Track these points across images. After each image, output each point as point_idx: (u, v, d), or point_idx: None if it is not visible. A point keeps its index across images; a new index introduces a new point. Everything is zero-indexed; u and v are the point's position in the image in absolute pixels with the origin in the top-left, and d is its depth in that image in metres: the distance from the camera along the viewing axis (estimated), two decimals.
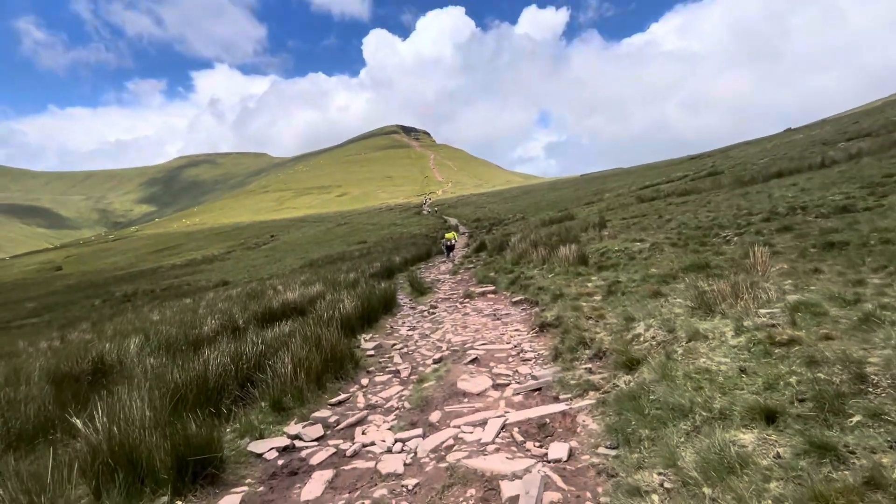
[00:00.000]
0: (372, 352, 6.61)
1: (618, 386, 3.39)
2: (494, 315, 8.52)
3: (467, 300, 10.67)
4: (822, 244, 5.95)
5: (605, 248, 11.18)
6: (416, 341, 7.28)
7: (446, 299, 11.27)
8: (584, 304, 6.58)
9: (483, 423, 3.50)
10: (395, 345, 6.98)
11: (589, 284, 7.89)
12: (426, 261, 23.88)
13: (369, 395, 4.81)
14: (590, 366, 4.31)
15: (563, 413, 3.33)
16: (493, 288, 11.30)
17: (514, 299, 9.47)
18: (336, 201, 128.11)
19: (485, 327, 7.58)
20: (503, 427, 3.36)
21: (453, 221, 53.19)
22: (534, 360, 5.22)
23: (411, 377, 5.40)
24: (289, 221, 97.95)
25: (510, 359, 5.39)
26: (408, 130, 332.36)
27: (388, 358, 6.29)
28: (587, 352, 4.61)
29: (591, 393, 3.48)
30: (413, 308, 10.66)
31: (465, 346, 6.38)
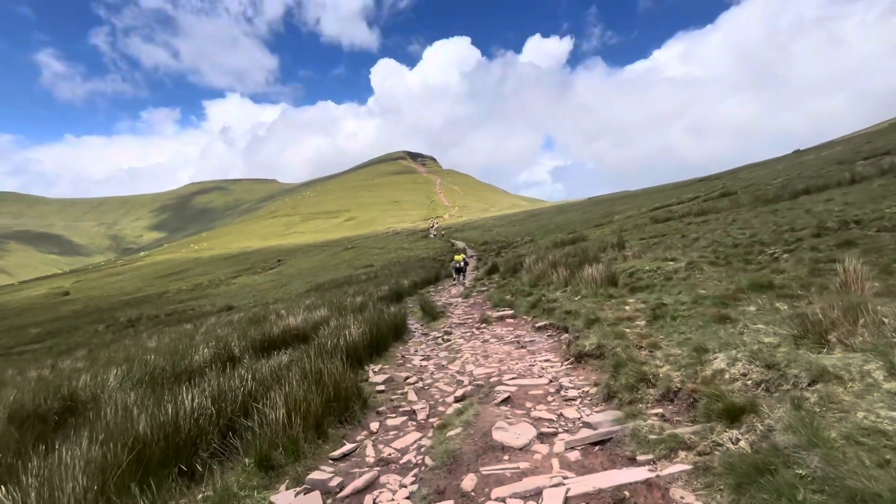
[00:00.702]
0: (382, 387, 5.70)
1: (721, 445, 2.49)
2: (518, 342, 7.60)
3: (484, 325, 9.75)
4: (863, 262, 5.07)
5: (632, 267, 10.27)
6: (433, 373, 6.35)
7: (461, 324, 10.35)
8: (628, 330, 5.67)
9: (536, 495, 2.59)
10: (408, 378, 6.06)
11: (626, 308, 6.97)
12: (435, 284, 22.99)
13: (380, 445, 3.89)
14: (660, 410, 3.39)
15: (648, 483, 2.42)
16: (512, 312, 10.38)
17: (538, 324, 8.55)
18: (343, 226, 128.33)
19: (509, 357, 6.65)
20: (566, 502, 2.45)
21: (461, 245, 52.49)
22: (580, 401, 4.30)
23: (430, 420, 4.48)
24: (296, 246, 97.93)
25: (549, 398, 4.47)
26: (414, 156, 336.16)
27: (402, 395, 5.37)
28: (651, 391, 3.69)
29: (683, 454, 2.58)
30: (425, 334, 9.74)
31: (491, 379, 5.46)
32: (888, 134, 40.16)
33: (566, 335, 7.29)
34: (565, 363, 5.84)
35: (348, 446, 3.81)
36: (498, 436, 3.35)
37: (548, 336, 7.84)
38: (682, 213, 25.90)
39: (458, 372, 6.20)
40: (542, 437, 3.44)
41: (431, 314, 11.42)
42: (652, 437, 2.84)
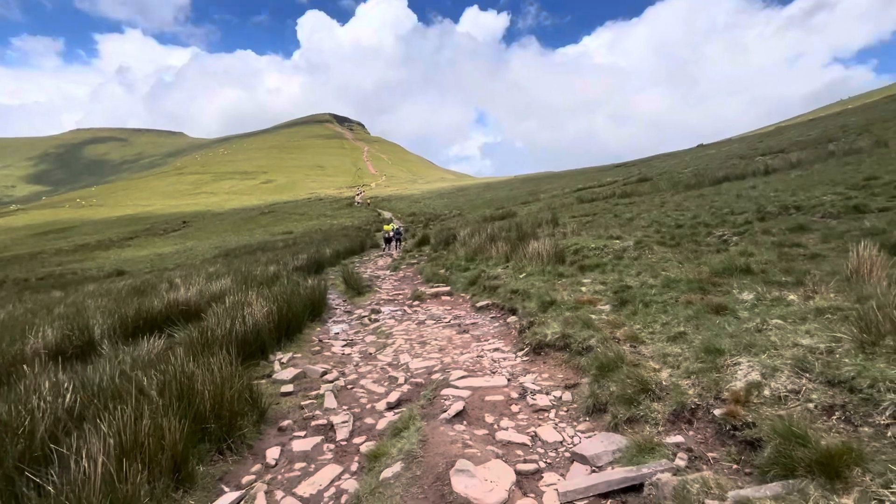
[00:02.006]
0: (290, 386, 4.34)
1: None
2: (459, 325, 6.54)
3: (417, 303, 8.61)
4: (889, 246, 4.66)
5: (576, 245, 9.63)
6: (358, 366, 5.09)
7: (390, 301, 9.12)
8: (594, 316, 4.80)
9: None
10: (325, 373, 4.75)
11: (583, 289, 6.15)
12: (360, 254, 21.38)
13: (278, 493, 2.61)
14: (679, 439, 2.46)
15: None
16: (448, 288, 9.33)
17: (479, 304, 7.56)
18: (261, 188, 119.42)
19: (451, 344, 5.57)
20: None
21: (388, 215, 50.67)
22: (554, 412, 3.31)
23: (355, 440, 3.26)
24: (206, 207, 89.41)
25: (513, 407, 3.43)
26: (341, 120, 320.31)
27: (316, 399, 4.06)
28: (657, 407, 2.77)
29: None
30: (349, 312, 8.39)
31: (433, 375, 4.33)
32: (775, 135, 44.55)
33: (514, 318, 6.36)
34: (520, 354, 4.87)
35: (227, 498, 2.49)
36: (460, 485, 2.23)
37: (492, 318, 6.88)
38: (607, 195, 26.42)
39: (390, 364, 5.00)
40: (523, 483, 2.38)
41: (356, 288, 10.04)
42: (691, 493, 1.87)
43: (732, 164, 27.04)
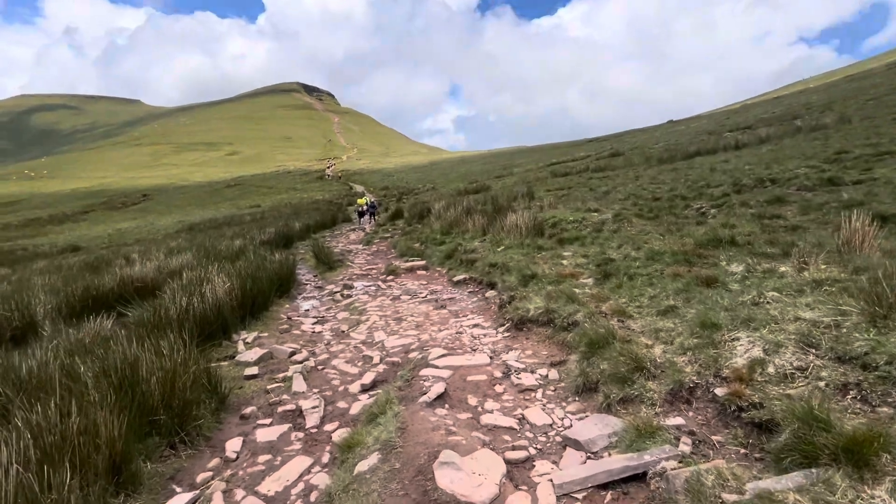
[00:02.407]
0: (255, 369, 4.00)
1: None
2: (436, 301, 6.28)
3: (392, 278, 8.30)
4: (872, 216, 4.61)
5: (553, 217, 9.45)
6: (329, 344, 4.78)
7: (363, 276, 8.78)
8: (577, 290, 4.61)
9: None
10: (294, 353, 4.42)
11: (564, 262, 5.97)
12: (331, 228, 20.78)
13: (238, 491, 2.32)
14: (680, 421, 2.29)
15: None
16: (423, 262, 9.04)
17: (456, 278, 7.32)
18: (225, 160, 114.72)
19: (428, 320, 5.32)
20: None
21: (360, 188, 49.55)
22: (541, 391, 3.11)
23: (326, 427, 2.98)
24: (167, 179, 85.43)
25: (498, 387, 3.21)
26: (310, 90, 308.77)
27: (283, 382, 3.75)
28: (652, 385, 2.59)
29: None
30: (319, 288, 8.01)
31: (411, 354, 4.07)
32: (742, 113, 45.46)
33: (493, 292, 6.15)
34: (501, 330, 4.66)
35: (179, 500, 2.18)
36: (445, 480, 1.99)
37: (469, 292, 6.65)
38: (580, 169, 26.42)
39: (364, 342, 4.71)
40: (514, 474, 2.16)
41: (327, 263, 9.62)
42: (730, 497, 1.65)
43: (702, 139, 27.39)
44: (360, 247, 12.99)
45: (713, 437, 2.13)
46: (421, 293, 6.85)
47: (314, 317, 5.94)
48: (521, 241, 7.76)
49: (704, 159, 16.31)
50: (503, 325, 4.82)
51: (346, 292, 7.34)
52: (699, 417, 2.31)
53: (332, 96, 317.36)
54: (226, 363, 4.18)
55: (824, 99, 32.96)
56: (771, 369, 2.29)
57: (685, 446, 2.06)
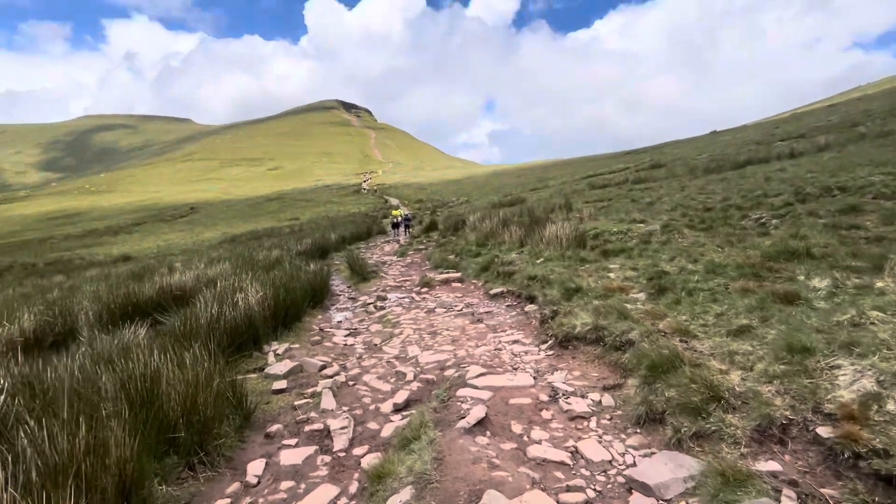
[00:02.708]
0: (283, 382, 3.81)
1: None
2: (472, 314, 5.98)
3: (426, 290, 8.06)
4: None
5: (595, 229, 8.99)
6: (361, 358, 4.55)
7: (397, 287, 8.58)
8: (629, 306, 4.21)
9: None
10: (324, 367, 4.21)
11: (611, 275, 5.55)
12: (367, 240, 20.86)
13: None
14: (775, 467, 1.89)
15: None
16: (459, 275, 8.76)
17: (493, 291, 6.99)
18: (268, 175, 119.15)
19: (464, 334, 5.01)
20: None
21: (395, 201, 50.05)
22: (595, 420, 2.74)
23: (355, 451, 2.72)
24: (213, 194, 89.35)
25: (544, 412, 2.87)
26: (348, 107, 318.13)
27: (312, 397, 3.53)
28: (732, 419, 2.19)
29: None
30: (353, 299, 7.86)
31: (447, 372, 3.78)
32: (792, 122, 43.05)
33: (533, 306, 5.79)
34: (543, 347, 4.31)
35: None
36: None
37: (508, 306, 6.31)
38: (619, 181, 25.66)
39: (397, 357, 4.45)
40: None
41: (361, 274, 9.50)
42: None
43: (750, 149, 26.10)
44: (395, 258, 12.86)
45: (823, 491, 1.72)
46: (456, 306, 6.56)
47: (346, 329, 5.75)
48: (561, 253, 7.36)
49: (757, 168, 15.36)
50: (546, 341, 4.46)
51: (379, 304, 7.14)
52: (799, 463, 1.90)
53: (370, 112, 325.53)
54: (254, 375, 4.01)
55: (886, 105, 30.79)
56: (892, 407, 1.86)
57: (790, 501, 1.67)
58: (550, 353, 4.14)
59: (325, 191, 74.30)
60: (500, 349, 4.37)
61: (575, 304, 4.70)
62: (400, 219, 20.38)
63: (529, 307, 5.86)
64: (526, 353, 4.20)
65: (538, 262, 7.35)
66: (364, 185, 73.41)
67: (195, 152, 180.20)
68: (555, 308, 4.88)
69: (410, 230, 19.88)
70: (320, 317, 6.48)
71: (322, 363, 4.23)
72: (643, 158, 43.73)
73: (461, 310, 6.36)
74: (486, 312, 6.09)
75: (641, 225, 8.63)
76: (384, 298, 7.51)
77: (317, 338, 5.30)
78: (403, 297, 7.61)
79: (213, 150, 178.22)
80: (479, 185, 58.50)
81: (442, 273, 9.19)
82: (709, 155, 30.12)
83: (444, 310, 6.41)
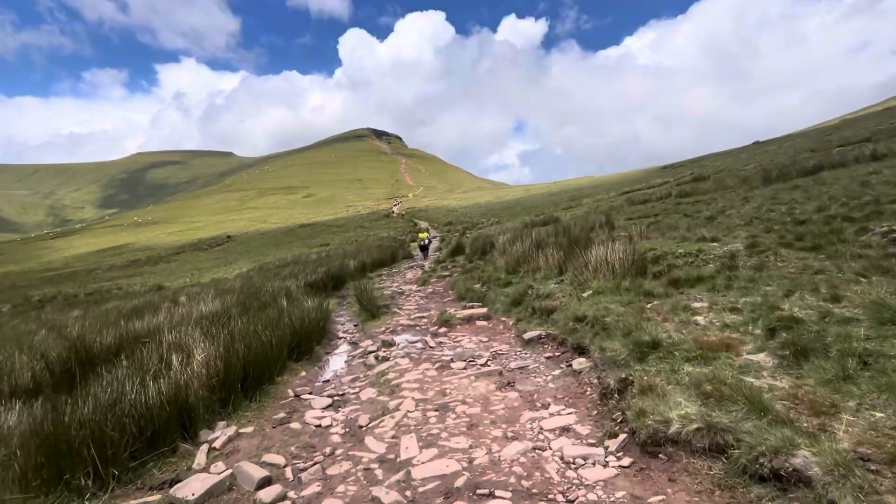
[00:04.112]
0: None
1: None
2: (500, 374, 4.38)
3: (444, 330, 6.52)
4: None
5: (655, 251, 7.23)
6: (332, 456, 3.03)
7: (410, 326, 7.07)
8: (755, 381, 2.53)
9: None
10: (265, 484, 2.70)
11: (699, 319, 3.85)
12: (391, 266, 19.55)
13: None
14: None
15: None
16: (485, 310, 7.18)
17: (528, 334, 5.38)
18: (302, 202, 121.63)
19: (487, 412, 3.43)
20: None
21: (424, 224, 49.06)
22: None
23: None
24: (249, 221, 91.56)
25: None
26: (379, 134, 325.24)
27: None
28: None
29: None
30: (355, 344, 6.41)
31: (456, 503, 2.21)
32: (846, 127, 39.39)
33: (583, 361, 4.16)
34: (612, 448, 2.67)
35: None
36: None
37: (547, 358, 4.68)
38: (661, 196, 23.57)
39: (382, 460, 2.90)
40: None
41: (370, 310, 8.04)
42: None
43: (805, 157, 23.57)
44: (415, 287, 11.39)
45: None
46: (479, 357, 4.97)
47: (329, 397, 4.25)
48: (615, 283, 5.67)
49: (836, 173, 13.16)
50: (614, 434, 2.81)
51: (382, 352, 5.63)
52: None
53: (400, 139, 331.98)
54: (155, 498, 2.55)
55: None
56: None
57: None
58: (627, 464, 2.49)
59: (357, 216, 74.48)
60: (541, 448, 2.77)
61: (656, 371, 3.05)
62: (427, 241, 19.15)
63: (579, 362, 4.23)
64: (585, 460, 2.58)
65: (585, 295, 5.69)
66: (394, 210, 73.16)
67: (234, 183, 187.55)
68: (623, 375, 3.23)
69: (436, 253, 18.48)
70: (304, 373, 5.02)
71: (263, 476, 2.72)
72: (682, 172, 41.06)
73: (485, 364, 4.77)
74: (520, 369, 4.48)
75: (715, 244, 6.83)
76: (391, 344, 6.01)
77: (283, 414, 3.82)
78: (415, 341, 6.08)
79: (250, 181, 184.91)
80: (509, 205, 56.97)
81: (465, 307, 7.63)
82: (755, 165, 27.61)
83: (463, 364, 4.83)
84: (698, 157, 61.87)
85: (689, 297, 4.61)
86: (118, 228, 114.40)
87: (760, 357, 2.96)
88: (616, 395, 3.13)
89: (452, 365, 4.81)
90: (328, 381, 4.82)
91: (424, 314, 7.87)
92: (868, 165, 13.21)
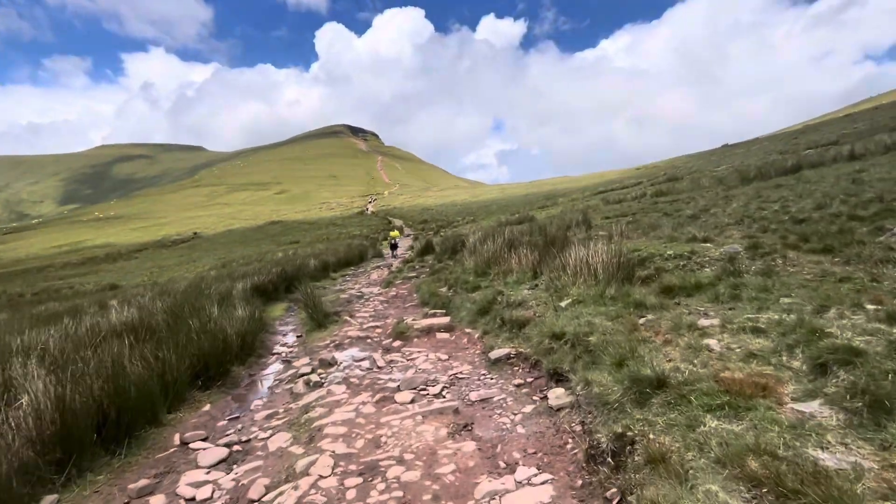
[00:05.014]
0: None
1: None
2: (456, 409, 3.39)
3: (398, 344, 5.51)
4: None
5: (640, 252, 6.38)
6: None
7: (361, 339, 6.01)
8: (820, 454, 1.60)
9: None
10: None
11: (712, 344, 2.94)
12: (357, 265, 18.37)
13: None
14: None
15: None
16: (447, 320, 6.19)
17: (495, 353, 4.42)
18: (273, 199, 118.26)
19: (430, 478, 2.44)
20: None
21: (398, 223, 47.88)
22: None
23: None
24: (218, 218, 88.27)
25: None
26: (355, 130, 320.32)
27: None
28: None
29: None
30: (287, 363, 5.31)
31: None
32: (810, 133, 40.13)
33: (562, 394, 3.23)
34: None
35: None
36: None
37: (517, 387, 3.72)
38: (637, 195, 23.16)
39: None
40: None
41: (316, 319, 6.93)
42: None
43: (774, 159, 23.61)
44: (377, 290, 10.32)
45: None
46: (433, 384, 3.98)
47: (228, 443, 3.18)
48: (599, 290, 4.76)
49: (818, 172, 12.74)
50: None
51: (317, 375, 4.57)
52: None
53: (377, 136, 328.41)
54: None
55: None
56: None
57: None
58: None
59: (329, 213, 72.54)
60: None
61: (666, 426, 2.11)
62: (398, 240, 18.11)
63: (556, 395, 3.29)
64: None
65: (563, 304, 4.77)
66: (369, 207, 71.61)
67: (204, 178, 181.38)
68: (619, 430, 2.28)
69: (407, 252, 17.44)
70: (208, 406, 3.92)
71: None
72: (655, 173, 41.07)
73: (439, 394, 3.77)
74: (482, 402, 3.50)
75: (708, 245, 6.02)
76: (330, 364, 4.94)
77: (146, 480, 2.72)
78: (362, 359, 5.04)
79: (221, 176, 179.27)
80: (485, 204, 56.29)
81: (427, 315, 6.63)
82: (727, 166, 27.63)
83: (412, 393, 3.82)
84: (670, 158, 62.58)
85: (692, 311, 3.72)
86: (78, 224, 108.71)
87: (814, 407, 2.06)
88: (610, 461, 2.18)
89: (397, 396, 3.79)
90: (237, 417, 3.74)
91: (380, 323, 6.83)
92: (849, 164, 12.84)
